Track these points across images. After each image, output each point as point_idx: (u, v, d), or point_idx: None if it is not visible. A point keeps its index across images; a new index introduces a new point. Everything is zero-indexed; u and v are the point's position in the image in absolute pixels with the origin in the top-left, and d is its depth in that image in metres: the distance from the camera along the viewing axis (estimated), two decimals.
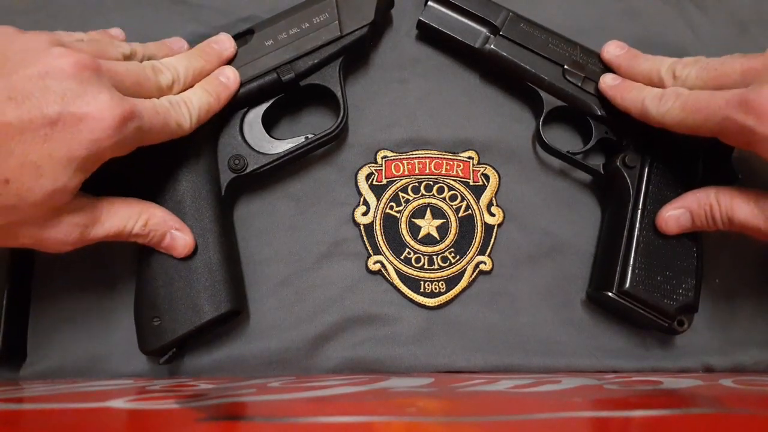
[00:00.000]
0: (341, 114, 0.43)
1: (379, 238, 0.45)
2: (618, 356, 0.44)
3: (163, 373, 0.42)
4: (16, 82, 0.31)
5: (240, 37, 0.43)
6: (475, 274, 0.44)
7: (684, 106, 0.38)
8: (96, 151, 0.33)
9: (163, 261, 0.39)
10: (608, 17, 0.49)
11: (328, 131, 0.43)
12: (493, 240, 0.45)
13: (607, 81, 0.43)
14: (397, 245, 0.45)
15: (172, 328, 0.39)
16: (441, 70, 0.48)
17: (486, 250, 0.45)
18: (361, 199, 0.45)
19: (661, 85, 0.41)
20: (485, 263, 0.45)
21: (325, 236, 0.45)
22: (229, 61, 0.42)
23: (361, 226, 0.45)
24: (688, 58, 0.41)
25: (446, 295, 0.44)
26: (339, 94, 0.43)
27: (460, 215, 0.45)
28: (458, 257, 0.45)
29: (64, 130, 0.32)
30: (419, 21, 0.46)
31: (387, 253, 0.44)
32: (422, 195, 0.46)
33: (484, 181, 0.46)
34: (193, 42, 0.42)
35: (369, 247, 0.44)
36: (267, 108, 0.43)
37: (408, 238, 0.45)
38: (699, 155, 0.43)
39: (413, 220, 0.45)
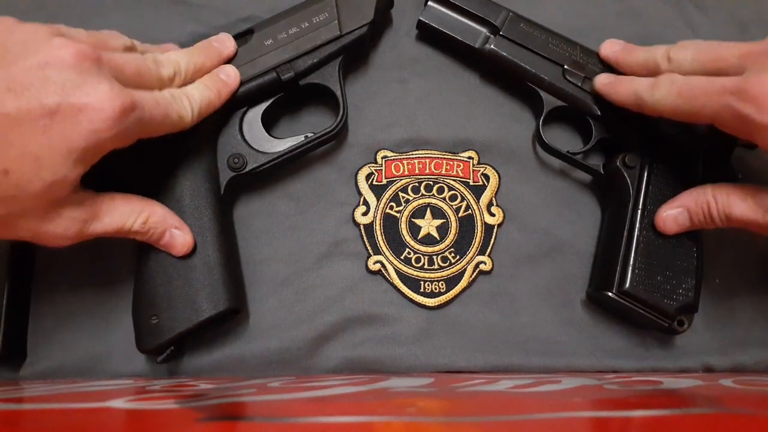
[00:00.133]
0: (341, 113, 0.43)
1: (379, 238, 0.45)
2: (618, 356, 0.44)
3: (163, 373, 0.42)
4: (16, 73, 0.31)
5: (240, 37, 0.43)
6: (475, 274, 0.44)
7: (679, 92, 0.37)
8: (96, 142, 0.32)
9: (161, 259, 0.39)
10: (608, 17, 0.49)
11: (328, 130, 0.43)
12: (493, 240, 0.45)
13: (601, 80, 0.43)
14: (397, 245, 0.45)
15: (170, 326, 0.39)
16: (441, 70, 0.48)
17: (486, 250, 0.45)
18: (361, 199, 0.45)
19: (657, 71, 0.40)
20: (485, 263, 0.45)
21: (325, 236, 0.45)
22: (229, 60, 0.42)
23: (361, 226, 0.45)
24: (684, 41, 0.40)
25: (446, 295, 0.44)
26: (338, 93, 0.43)
27: (460, 215, 0.45)
28: (458, 257, 0.45)
29: (63, 121, 0.31)
30: (419, 21, 0.46)
31: (387, 253, 0.44)
32: (422, 195, 0.46)
33: (484, 181, 0.46)
34: (192, 42, 0.42)
35: (369, 247, 0.44)
36: (267, 107, 0.43)
37: (408, 238, 0.45)
38: (699, 155, 0.42)
39: (413, 220, 0.45)
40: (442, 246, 0.45)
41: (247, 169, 0.42)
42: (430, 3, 0.46)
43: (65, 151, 0.32)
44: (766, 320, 0.45)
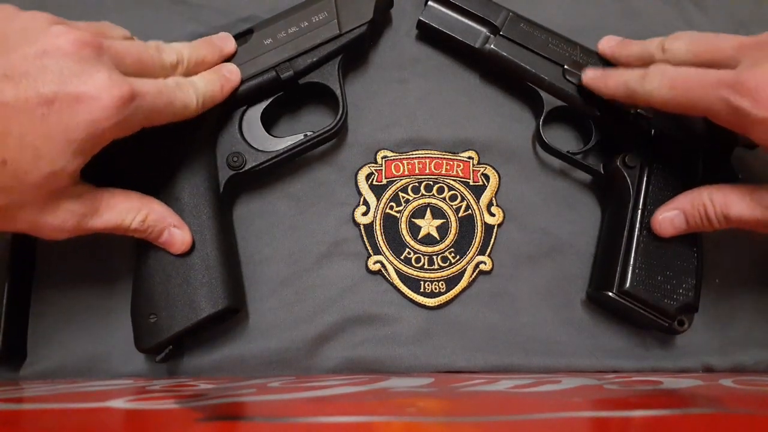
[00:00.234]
0: (340, 111, 0.43)
1: (379, 238, 0.45)
2: (618, 356, 0.44)
3: (163, 373, 0.42)
4: (14, 61, 0.31)
5: (240, 37, 0.43)
6: (475, 274, 0.44)
7: (672, 84, 0.37)
8: (95, 132, 0.32)
9: (160, 258, 0.39)
10: (608, 17, 0.49)
11: (328, 128, 0.43)
12: (493, 240, 0.45)
13: (588, 74, 0.43)
14: (397, 245, 0.45)
15: (168, 324, 0.38)
16: (441, 70, 0.48)
17: (486, 250, 0.45)
18: (361, 199, 0.45)
19: (652, 62, 0.40)
20: (485, 263, 0.45)
21: (325, 236, 0.45)
22: (229, 59, 0.42)
23: (361, 226, 0.45)
24: (679, 32, 0.40)
25: (446, 295, 0.44)
26: (338, 92, 0.43)
27: (460, 215, 0.45)
28: (458, 257, 0.45)
29: (61, 110, 0.31)
30: (419, 21, 0.46)
31: (387, 253, 0.44)
32: (422, 195, 0.46)
33: (484, 181, 0.46)
34: None
35: (369, 247, 0.44)
36: (266, 106, 0.43)
37: (408, 238, 0.45)
38: (699, 155, 0.42)
39: (413, 220, 0.45)
40: (442, 246, 0.45)
41: (246, 167, 0.42)
42: (430, 3, 0.46)
43: (64, 142, 0.31)
44: (766, 320, 0.45)
